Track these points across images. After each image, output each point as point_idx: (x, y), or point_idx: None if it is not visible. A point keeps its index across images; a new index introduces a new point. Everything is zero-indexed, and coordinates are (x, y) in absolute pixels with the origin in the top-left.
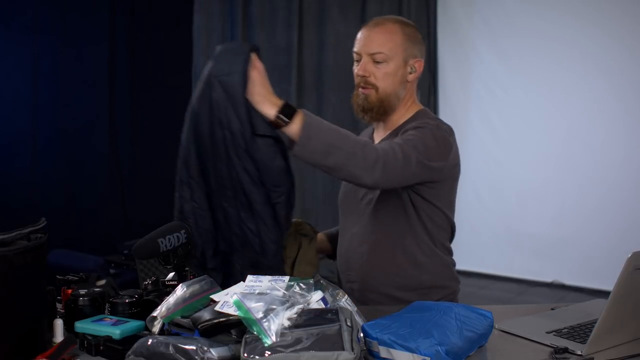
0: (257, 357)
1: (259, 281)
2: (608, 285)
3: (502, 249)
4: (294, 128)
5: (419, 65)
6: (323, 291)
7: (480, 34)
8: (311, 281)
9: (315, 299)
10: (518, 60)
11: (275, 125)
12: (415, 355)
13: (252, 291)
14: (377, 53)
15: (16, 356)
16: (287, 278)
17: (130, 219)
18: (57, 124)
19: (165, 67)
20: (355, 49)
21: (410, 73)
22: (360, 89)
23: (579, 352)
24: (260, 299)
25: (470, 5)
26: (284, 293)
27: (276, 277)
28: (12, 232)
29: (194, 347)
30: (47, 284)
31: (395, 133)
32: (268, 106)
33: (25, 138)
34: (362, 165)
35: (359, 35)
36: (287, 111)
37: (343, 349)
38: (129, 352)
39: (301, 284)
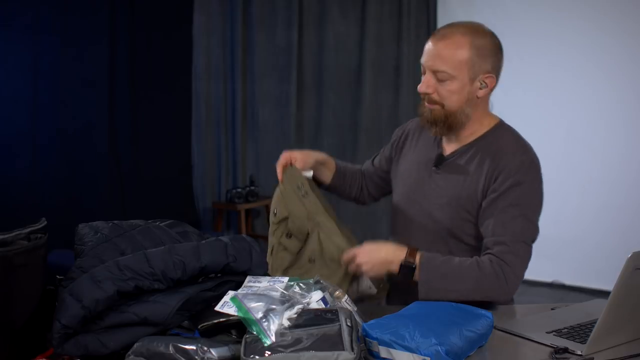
0: (257, 357)
1: (258, 282)
2: (608, 285)
3: None
4: (415, 274)
5: (490, 80)
6: (323, 291)
7: None
8: (311, 281)
9: (315, 299)
10: (518, 60)
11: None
12: (415, 355)
13: (252, 291)
14: (439, 71)
15: (16, 356)
16: (286, 278)
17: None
18: (57, 124)
19: (165, 67)
20: (421, 61)
21: (481, 89)
22: (426, 103)
23: (579, 352)
24: (260, 299)
25: (470, 5)
26: (283, 293)
27: (275, 278)
28: (12, 232)
29: (194, 347)
30: (47, 284)
31: (470, 147)
32: (394, 267)
33: (25, 138)
34: (487, 295)
35: (426, 46)
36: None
37: (343, 349)
38: (129, 352)
39: (301, 284)
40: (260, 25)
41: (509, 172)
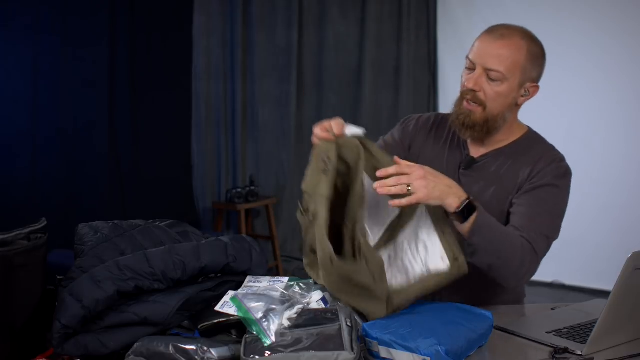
0: (257, 357)
1: (258, 282)
2: (608, 285)
3: None
4: (466, 226)
5: (534, 90)
6: (323, 291)
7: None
8: (311, 281)
9: (315, 299)
10: None
11: (450, 216)
12: (415, 355)
13: (252, 291)
14: (493, 70)
15: (16, 356)
16: (286, 278)
17: (130, 218)
18: (57, 124)
19: (165, 67)
20: (470, 56)
21: (523, 96)
22: (465, 103)
23: (579, 352)
24: (260, 299)
25: (470, 5)
26: (283, 293)
27: (276, 278)
28: (12, 232)
29: (194, 347)
30: (47, 284)
31: (501, 153)
32: (453, 199)
33: (25, 138)
34: (514, 271)
35: (478, 42)
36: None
37: (343, 349)
38: (129, 352)
39: (301, 284)
40: (260, 25)
41: (545, 175)
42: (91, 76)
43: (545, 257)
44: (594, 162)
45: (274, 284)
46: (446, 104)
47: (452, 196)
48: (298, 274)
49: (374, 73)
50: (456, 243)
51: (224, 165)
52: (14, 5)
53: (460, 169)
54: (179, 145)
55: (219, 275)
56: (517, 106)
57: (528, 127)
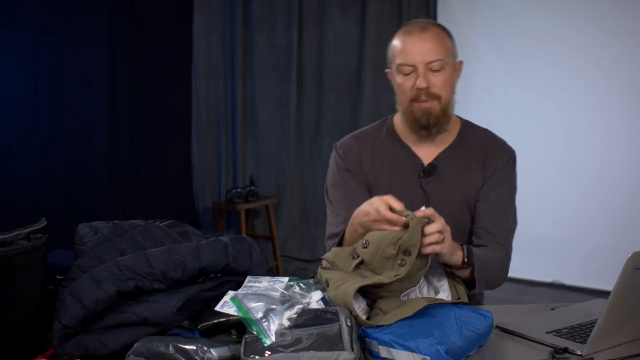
0: (257, 357)
1: (258, 282)
2: (608, 285)
3: None
4: (467, 272)
5: (459, 66)
6: (323, 291)
7: (480, 34)
8: (311, 281)
9: (315, 299)
10: (518, 60)
11: (456, 267)
12: (415, 354)
13: (251, 291)
14: (434, 61)
15: (16, 356)
16: (286, 278)
17: (130, 218)
18: (57, 124)
19: (165, 67)
20: (404, 61)
21: (455, 77)
22: (418, 104)
23: (579, 352)
24: (260, 299)
25: (470, 5)
26: (283, 293)
27: (276, 278)
28: (12, 232)
29: (194, 347)
30: (47, 284)
31: (452, 149)
32: (457, 256)
33: (25, 138)
34: (498, 285)
35: (405, 44)
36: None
37: (343, 349)
38: (129, 352)
39: (301, 284)
40: (260, 25)
41: (500, 164)
42: (91, 76)
43: (545, 257)
44: (594, 162)
45: (274, 284)
46: None
47: (457, 253)
48: (298, 274)
49: (374, 73)
50: (461, 286)
51: (224, 165)
52: (14, 5)
53: (421, 178)
54: (179, 145)
55: (219, 275)
56: (454, 92)
57: (457, 116)
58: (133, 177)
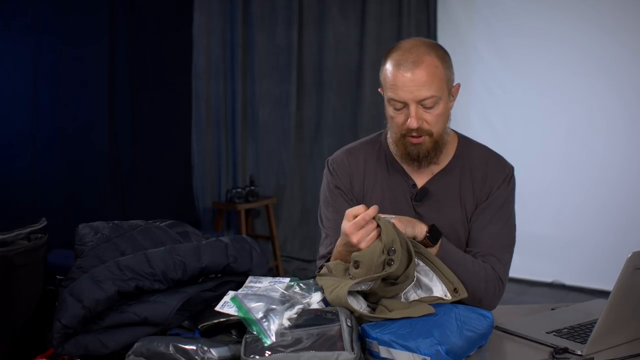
0: (257, 357)
1: (259, 282)
2: (608, 285)
3: None
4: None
5: (456, 89)
6: (323, 292)
7: (480, 34)
8: (311, 281)
9: (316, 300)
10: (518, 60)
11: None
12: (415, 355)
13: (252, 291)
14: (427, 98)
15: (16, 356)
16: (287, 279)
17: (130, 219)
18: (57, 124)
19: (165, 67)
20: (395, 97)
21: (451, 101)
22: (410, 138)
23: (579, 352)
24: (260, 299)
25: (470, 5)
26: (283, 293)
27: (276, 278)
28: (12, 232)
29: (194, 347)
30: (47, 284)
31: (447, 171)
32: (419, 228)
33: (25, 138)
34: (478, 299)
35: (395, 79)
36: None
37: (343, 349)
38: (129, 352)
39: (301, 284)
40: (260, 25)
41: (496, 182)
42: (91, 76)
43: (545, 257)
44: (594, 162)
45: (275, 284)
46: None
47: (418, 225)
48: (298, 274)
49: (374, 73)
50: (452, 274)
51: (224, 165)
52: (14, 5)
53: (413, 201)
54: (179, 145)
55: (219, 275)
56: (449, 120)
57: (454, 131)
58: (133, 177)
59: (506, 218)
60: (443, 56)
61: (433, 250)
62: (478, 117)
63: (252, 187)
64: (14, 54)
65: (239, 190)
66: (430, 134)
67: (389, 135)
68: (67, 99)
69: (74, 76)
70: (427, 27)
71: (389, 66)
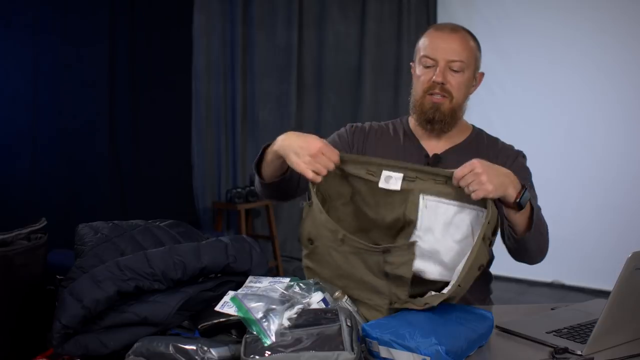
0: (257, 357)
1: (259, 282)
2: (608, 285)
3: (502, 249)
4: (523, 217)
5: (480, 78)
6: (323, 292)
7: (480, 34)
8: (311, 281)
9: (316, 300)
10: (518, 59)
11: (507, 206)
12: (415, 354)
13: (252, 291)
14: (456, 61)
15: (16, 356)
16: (287, 279)
17: (130, 219)
18: (57, 124)
19: (165, 67)
20: (427, 54)
21: (473, 85)
22: (430, 97)
23: (579, 352)
24: (260, 299)
25: (470, 5)
26: (283, 293)
27: (276, 278)
28: (12, 232)
29: (194, 347)
30: (47, 284)
31: (463, 147)
32: (512, 190)
33: (25, 138)
34: (544, 254)
35: (432, 39)
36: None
37: (343, 349)
38: (129, 352)
39: (301, 284)
40: (260, 25)
41: (510, 160)
42: (91, 76)
43: (545, 257)
44: (594, 162)
45: (275, 284)
46: None
47: (511, 186)
48: (298, 274)
49: (374, 73)
50: (472, 269)
51: (224, 165)
52: (14, 5)
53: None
54: (179, 145)
55: (219, 275)
56: (468, 98)
57: (471, 124)
58: (133, 177)
59: (528, 185)
60: (476, 40)
61: (521, 217)
62: (478, 117)
63: (252, 187)
64: (14, 54)
65: (239, 190)
66: (451, 98)
67: (410, 106)
68: (67, 99)
69: (74, 76)
70: (427, 27)
71: (428, 32)
